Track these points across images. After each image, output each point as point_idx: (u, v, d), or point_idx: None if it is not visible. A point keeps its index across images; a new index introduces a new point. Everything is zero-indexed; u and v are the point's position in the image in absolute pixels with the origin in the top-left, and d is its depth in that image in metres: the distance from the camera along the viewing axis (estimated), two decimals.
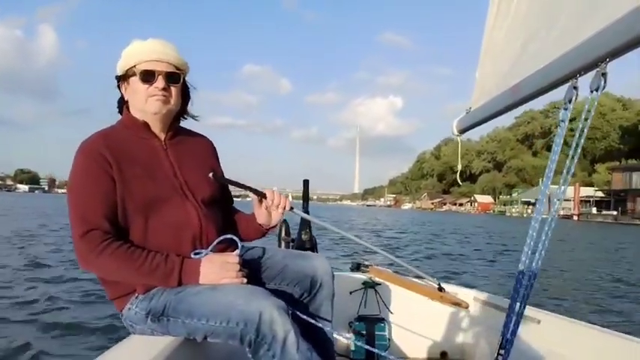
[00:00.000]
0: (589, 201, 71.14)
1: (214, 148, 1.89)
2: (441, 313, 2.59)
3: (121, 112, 1.73)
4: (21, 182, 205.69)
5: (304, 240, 2.74)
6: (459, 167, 2.67)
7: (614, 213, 63.34)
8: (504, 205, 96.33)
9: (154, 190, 1.58)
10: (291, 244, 2.82)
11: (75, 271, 7.65)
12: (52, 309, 5.80)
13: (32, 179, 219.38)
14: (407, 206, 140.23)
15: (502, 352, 1.49)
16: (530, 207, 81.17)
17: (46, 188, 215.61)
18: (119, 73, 1.67)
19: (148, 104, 1.63)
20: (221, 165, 1.87)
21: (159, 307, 1.53)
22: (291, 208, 1.78)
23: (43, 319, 5.35)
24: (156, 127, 1.69)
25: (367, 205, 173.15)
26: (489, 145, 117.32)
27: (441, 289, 2.30)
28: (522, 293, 1.48)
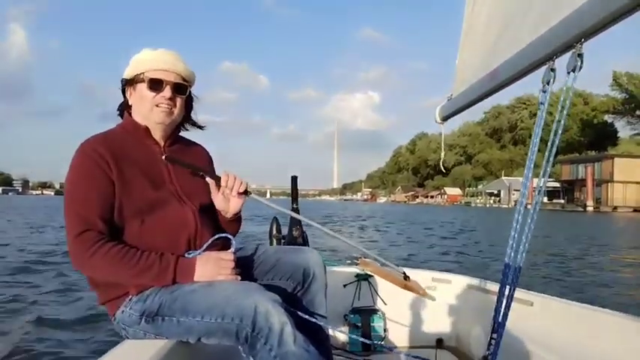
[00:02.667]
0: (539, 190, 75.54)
1: (210, 157, 1.87)
2: (434, 302, 2.53)
3: (121, 115, 1.71)
4: None
5: (295, 236, 2.69)
6: (442, 155, 2.67)
7: (562, 201, 67.78)
8: (471, 196, 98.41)
9: (152, 192, 1.55)
10: (282, 240, 2.77)
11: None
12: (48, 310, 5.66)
13: (5, 181, 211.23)
14: (382, 200, 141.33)
15: (495, 335, 1.48)
16: (492, 197, 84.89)
17: (20, 190, 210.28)
18: (127, 77, 1.64)
19: (153, 113, 1.62)
20: (215, 171, 1.81)
21: (154, 306, 1.48)
22: (247, 192, 1.68)
23: (38, 321, 5.17)
24: (156, 134, 1.66)
25: (345, 200, 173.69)
26: (461, 139, 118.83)
27: (406, 277, 2.28)
28: (511, 277, 1.47)
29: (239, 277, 1.53)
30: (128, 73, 1.64)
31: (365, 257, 2.61)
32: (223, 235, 1.61)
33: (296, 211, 2.72)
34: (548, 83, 1.43)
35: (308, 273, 1.72)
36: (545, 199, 71.84)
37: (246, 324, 1.36)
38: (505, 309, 1.46)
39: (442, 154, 2.63)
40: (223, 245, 1.61)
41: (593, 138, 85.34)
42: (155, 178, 1.59)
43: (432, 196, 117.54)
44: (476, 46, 1.93)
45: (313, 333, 1.61)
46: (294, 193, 2.86)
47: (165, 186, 1.60)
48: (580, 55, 1.30)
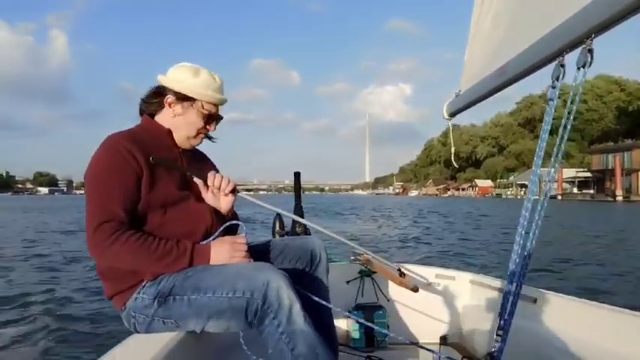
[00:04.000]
0: (574, 181, 74.30)
1: (212, 162, 1.94)
2: (438, 298, 2.54)
3: (141, 113, 1.75)
4: (40, 185, 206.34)
5: (298, 232, 2.71)
6: (453, 150, 2.64)
7: (591, 191, 67.07)
8: (501, 188, 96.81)
9: (176, 189, 1.60)
10: (285, 236, 2.78)
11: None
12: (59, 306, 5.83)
13: (51, 181, 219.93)
14: (413, 193, 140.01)
15: (500, 332, 1.46)
16: (524, 189, 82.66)
17: (65, 190, 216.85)
18: (174, 89, 1.67)
19: (194, 139, 1.71)
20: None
21: (167, 287, 1.52)
22: (236, 191, 1.70)
23: (49, 316, 5.35)
24: (177, 140, 1.72)
25: (376, 194, 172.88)
26: (493, 130, 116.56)
27: (401, 274, 2.25)
28: (517, 274, 1.45)
29: (252, 260, 1.58)
30: (179, 87, 1.66)
31: (365, 254, 2.58)
32: (234, 222, 1.67)
33: (299, 207, 2.73)
34: (557, 79, 1.40)
35: (315, 255, 1.79)
36: (575, 190, 71.96)
37: (257, 297, 1.39)
38: (511, 306, 1.44)
39: (452, 149, 2.59)
40: (234, 231, 1.68)
41: (630, 126, 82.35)
42: (178, 176, 1.64)
43: (463, 189, 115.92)
44: (484, 42, 1.89)
45: (319, 314, 1.66)
46: (297, 189, 2.86)
47: (187, 184, 1.65)
48: (590, 51, 1.27)
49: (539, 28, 1.43)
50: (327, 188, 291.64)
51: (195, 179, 1.66)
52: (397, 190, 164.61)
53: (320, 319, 1.66)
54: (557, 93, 1.41)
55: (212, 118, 1.71)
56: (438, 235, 14.52)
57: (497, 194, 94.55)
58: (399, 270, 2.28)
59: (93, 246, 1.47)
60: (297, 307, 1.38)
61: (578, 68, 1.31)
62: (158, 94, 1.69)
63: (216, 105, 1.71)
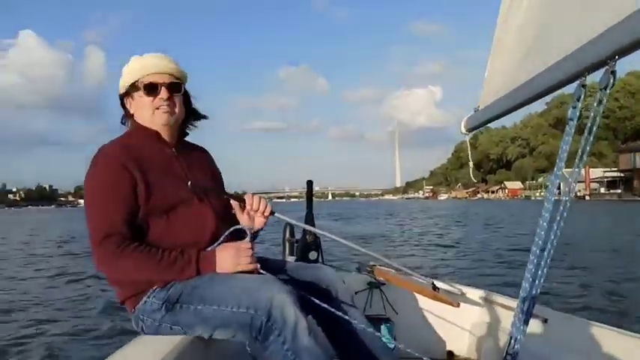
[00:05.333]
0: (602, 181, 73.62)
1: (212, 157, 1.90)
2: (447, 313, 2.48)
3: (124, 124, 1.74)
4: (81, 198, 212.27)
5: (309, 241, 2.65)
6: (471, 165, 2.60)
7: (619, 191, 66.59)
8: (530, 189, 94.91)
9: (173, 193, 1.58)
10: (295, 245, 2.75)
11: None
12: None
13: None
14: (443, 197, 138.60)
15: (511, 351, 1.43)
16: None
17: None
18: (122, 90, 1.69)
19: (155, 116, 1.65)
20: (219, 170, 1.91)
21: (175, 294, 1.51)
22: (273, 213, 1.70)
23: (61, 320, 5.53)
24: (166, 136, 1.69)
25: (406, 198, 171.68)
26: (523, 131, 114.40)
27: (435, 287, 2.21)
28: (531, 293, 1.42)
29: (259, 265, 1.56)
30: (123, 85, 1.68)
31: (381, 265, 2.55)
32: (239, 226, 1.62)
33: (310, 215, 2.69)
34: (578, 100, 1.38)
35: (329, 290, 1.70)
36: (603, 190, 71.13)
37: (261, 314, 1.37)
38: (523, 324, 1.41)
39: (470, 164, 2.55)
40: (238, 238, 1.62)
41: None
42: (173, 180, 1.61)
43: (492, 191, 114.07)
44: (505, 59, 1.87)
45: (345, 336, 1.64)
46: (309, 198, 2.81)
47: (185, 186, 1.59)
48: (613, 73, 1.24)
49: (561, 48, 1.41)
50: (357, 194, 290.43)
51: (232, 202, 1.66)
52: (427, 194, 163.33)
53: (352, 341, 1.64)
54: (577, 113, 1.39)
55: (154, 88, 1.63)
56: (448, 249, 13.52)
57: (526, 196, 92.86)
58: (433, 284, 2.23)
59: (99, 261, 1.49)
60: (302, 324, 1.36)
61: (600, 90, 1.29)
62: (122, 104, 1.72)
63: (153, 74, 1.64)
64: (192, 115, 1.79)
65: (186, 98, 1.75)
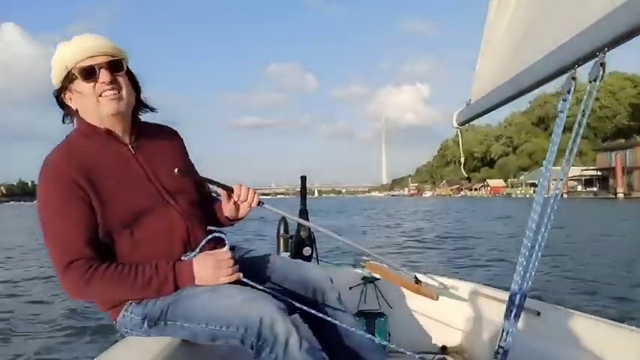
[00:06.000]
0: (581, 179, 75.80)
1: (181, 138, 1.70)
2: (440, 307, 2.48)
3: (69, 121, 1.52)
4: None
5: (303, 237, 2.64)
6: (462, 159, 2.62)
7: (595, 189, 69.49)
8: (512, 187, 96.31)
9: (133, 201, 1.43)
10: (290, 240, 2.74)
11: None
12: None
13: None
14: (427, 194, 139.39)
15: (503, 344, 1.44)
16: (533, 188, 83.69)
17: None
18: (56, 84, 1.46)
19: (101, 106, 1.42)
20: (189, 154, 1.71)
21: (155, 311, 1.43)
22: (261, 203, 1.63)
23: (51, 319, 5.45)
24: (118, 131, 1.48)
25: (392, 195, 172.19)
26: (507, 129, 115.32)
27: (417, 281, 2.21)
28: (522, 286, 1.43)
29: (241, 275, 1.46)
30: (56, 79, 1.45)
31: (372, 260, 2.55)
32: (217, 234, 1.51)
33: (304, 211, 2.68)
34: (568, 92, 1.39)
35: (317, 291, 1.65)
36: (580, 188, 73.51)
37: (251, 334, 1.32)
38: (514, 318, 1.42)
39: (462, 159, 2.56)
40: (217, 241, 1.51)
41: None
42: (132, 184, 1.46)
43: (475, 189, 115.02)
44: (497, 52, 1.87)
45: (332, 337, 1.61)
46: (303, 193, 2.79)
47: (145, 190, 1.47)
48: (602, 65, 1.25)
49: (551, 41, 1.41)
50: (344, 191, 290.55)
51: (220, 191, 1.58)
52: (412, 192, 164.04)
53: (338, 343, 1.61)
54: (567, 106, 1.40)
55: (91, 72, 1.41)
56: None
57: (507, 193, 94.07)
58: (416, 277, 2.24)
59: (69, 289, 1.38)
60: (293, 338, 1.31)
61: (590, 82, 1.29)
62: (58, 99, 1.49)
63: (87, 58, 1.41)
64: (140, 104, 1.57)
65: (132, 79, 1.52)
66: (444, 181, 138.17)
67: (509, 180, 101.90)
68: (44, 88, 1.51)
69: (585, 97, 1.31)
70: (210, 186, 1.67)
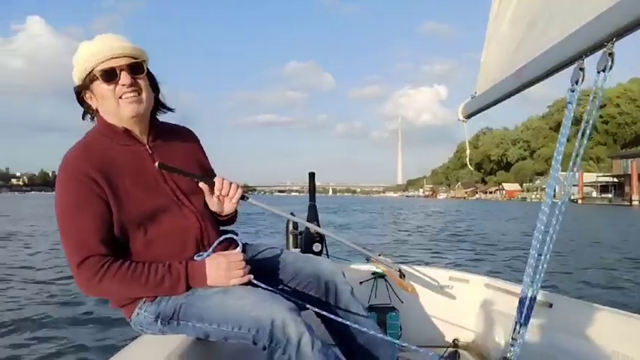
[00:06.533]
0: (596, 185, 75.97)
1: (197, 139, 1.71)
2: (451, 301, 2.49)
3: (89, 119, 1.55)
4: None
5: (312, 233, 2.62)
6: (468, 152, 2.58)
7: (609, 196, 70.04)
8: (528, 191, 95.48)
9: (149, 200, 1.44)
10: (299, 237, 2.72)
11: None
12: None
13: None
14: (442, 196, 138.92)
15: (516, 336, 1.41)
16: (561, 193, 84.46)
17: None
18: (77, 82, 1.47)
19: (121, 108, 1.44)
20: (206, 154, 1.72)
21: (168, 310, 1.44)
22: (245, 198, 1.57)
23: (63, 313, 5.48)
24: (136, 131, 1.51)
25: (406, 196, 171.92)
26: (524, 133, 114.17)
27: (401, 275, 2.22)
28: (535, 278, 1.40)
29: (252, 277, 1.46)
30: (77, 78, 1.46)
31: (378, 256, 2.52)
32: (229, 235, 1.54)
33: (313, 207, 2.67)
34: (577, 83, 1.33)
35: (329, 285, 1.65)
36: (595, 194, 74.01)
37: (263, 335, 1.33)
38: (527, 310, 1.39)
39: (467, 152, 2.52)
40: (230, 243, 1.53)
41: None
42: (148, 184, 1.46)
43: (490, 192, 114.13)
44: (502, 43, 1.82)
45: (345, 333, 1.60)
46: (312, 190, 2.78)
47: (160, 190, 1.48)
48: (611, 55, 1.20)
49: (558, 31, 1.37)
50: (358, 190, 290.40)
51: (202, 185, 1.52)
52: (426, 193, 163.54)
53: (350, 339, 1.61)
54: (576, 97, 1.35)
55: (112, 74, 1.42)
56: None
57: (522, 198, 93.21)
58: (400, 271, 2.25)
59: (82, 285, 1.38)
60: (305, 339, 1.31)
61: (599, 72, 1.25)
62: (78, 98, 1.51)
63: (108, 60, 1.42)
64: (159, 104, 1.59)
65: (152, 80, 1.54)
66: (459, 183, 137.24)
67: (524, 184, 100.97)
68: (66, 82, 1.52)
69: (594, 87, 1.26)
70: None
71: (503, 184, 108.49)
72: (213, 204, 1.56)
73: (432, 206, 51.12)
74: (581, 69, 1.32)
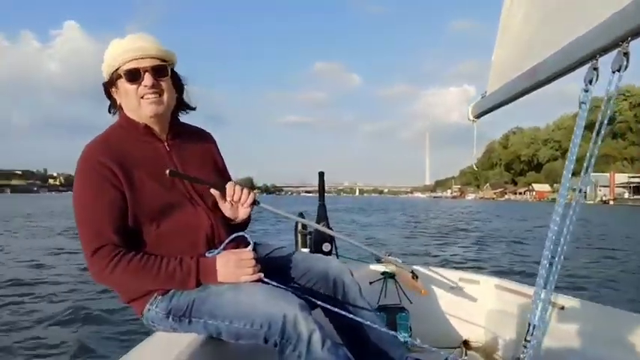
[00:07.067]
0: (628, 186, 73.70)
1: (214, 141, 1.74)
2: (462, 302, 2.46)
3: (114, 114, 1.60)
4: None
5: (322, 233, 2.59)
6: (474, 152, 2.53)
7: None
8: (557, 192, 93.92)
9: (163, 195, 1.47)
10: (308, 236, 2.70)
11: None
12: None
13: None
14: (470, 197, 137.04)
15: (529, 338, 1.39)
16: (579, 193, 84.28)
17: None
18: (105, 78, 1.53)
19: (142, 107, 1.49)
20: (222, 157, 1.75)
21: (180, 306, 1.45)
22: (256, 203, 1.59)
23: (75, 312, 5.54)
24: (156, 128, 1.55)
25: (434, 197, 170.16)
26: (555, 133, 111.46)
27: (414, 276, 2.20)
28: (549, 279, 1.38)
29: (262, 275, 1.47)
30: (105, 73, 1.52)
31: (388, 256, 2.49)
32: (240, 233, 1.54)
33: (323, 207, 2.67)
34: (590, 82, 1.30)
35: (338, 284, 1.66)
36: (627, 195, 72.52)
37: (274, 331, 1.33)
38: (541, 312, 1.37)
39: (474, 152, 2.47)
40: (240, 241, 1.54)
41: None
42: (164, 180, 1.48)
43: (520, 193, 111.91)
44: (513, 42, 1.78)
45: (357, 333, 1.61)
46: (322, 190, 2.78)
47: (175, 187, 1.50)
48: (626, 54, 1.16)
49: (571, 30, 1.32)
50: (386, 190, 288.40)
51: (213, 191, 1.54)
52: (454, 194, 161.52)
53: (359, 338, 1.61)
54: (589, 97, 1.32)
55: (136, 74, 1.47)
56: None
57: (552, 199, 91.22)
58: (412, 272, 2.23)
59: (94, 273, 1.41)
60: (316, 336, 1.32)
61: (613, 72, 1.21)
62: (106, 92, 1.56)
63: (134, 60, 1.47)
64: (181, 104, 1.63)
65: (176, 81, 1.58)
66: (487, 184, 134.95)
67: (555, 185, 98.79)
68: (98, 84, 1.57)
69: (608, 87, 1.23)
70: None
71: (533, 184, 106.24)
72: (226, 209, 1.57)
73: (458, 207, 50.14)
74: (595, 69, 1.28)
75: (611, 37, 1.17)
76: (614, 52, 1.19)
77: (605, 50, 1.22)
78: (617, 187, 72.36)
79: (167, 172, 1.45)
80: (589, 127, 1.39)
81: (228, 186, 1.54)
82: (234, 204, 1.57)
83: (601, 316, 1.69)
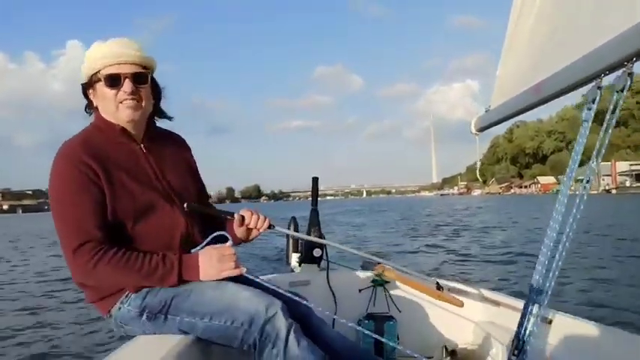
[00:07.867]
0: (631, 174, 73.49)
1: (188, 146, 1.76)
2: (450, 312, 2.42)
3: (90, 114, 1.59)
4: None
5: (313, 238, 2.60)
6: (478, 164, 2.54)
7: None
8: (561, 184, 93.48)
9: (142, 195, 1.46)
10: (299, 242, 2.70)
11: None
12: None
13: None
14: (477, 192, 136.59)
15: (517, 352, 1.41)
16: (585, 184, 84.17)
17: None
18: (84, 79, 1.52)
19: (119, 112, 1.48)
20: (195, 160, 1.76)
21: (155, 304, 1.44)
22: (272, 227, 1.65)
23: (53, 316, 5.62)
24: (132, 131, 1.54)
25: (441, 195, 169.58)
26: (559, 124, 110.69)
27: (439, 287, 2.18)
28: (540, 295, 1.40)
29: (244, 270, 1.48)
30: (84, 74, 1.51)
31: (386, 265, 2.48)
32: (221, 233, 1.53)
33: (315, 212, 2.65)
34: (593, 101, 1.31)
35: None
36: (628, 183, 72.50)
37: (254, 329, 1.36)
38: (530, 326, 1.38)
39: (478, 163, 2.47)
40: (219, 240, 1.54)
41: None
42: (141, 179, 1.49)
43: (525, 186, 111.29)
44: (519, 58, 1.79)
45: (323, 338, 1.58)
46: (315, 195, 2.75)
47: (153, 187, 1.51)
48: (630, 75, 1.18)
49: (577, 49, 1.33)
50: (393, 190, 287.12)
51: (231, 218, 1.60)
52: (461, 190, 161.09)
53: (325, 340, 1.58)
54: (592, 115, 1.32)
55: (116, 80, 1.46)
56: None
57: (556, 190, 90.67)
58: (437, 283, 2.21)
59: (76, 270, 1.39)
60: (292, 335, 1.35)
61: (617, 92, 1.22)
62: (84, 93, 1.56)
63: (115, 65, 1.46)
64: (159, 111, 1.64)
65: (155, 89, 1.58)
66: (493, 179, 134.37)
67: (560, 176, 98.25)
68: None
69: (611, 107, 1.23)
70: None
71: (538, 177, 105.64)
72: (241, 232, 1.61)
73: (458, 204, 49.80)
74: (599, 88, 1.29)
75: (617, 57, 1.18)
76: (618, 72, 1.20)
77: (611, 69, 1.23)
78: (618, 175, 71.67)
79: (185, 205, 1.50)
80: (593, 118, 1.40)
81: (246, 214, 1.59)
82: (250, 229, 1.62)
83: (589, 332, 1.66)
